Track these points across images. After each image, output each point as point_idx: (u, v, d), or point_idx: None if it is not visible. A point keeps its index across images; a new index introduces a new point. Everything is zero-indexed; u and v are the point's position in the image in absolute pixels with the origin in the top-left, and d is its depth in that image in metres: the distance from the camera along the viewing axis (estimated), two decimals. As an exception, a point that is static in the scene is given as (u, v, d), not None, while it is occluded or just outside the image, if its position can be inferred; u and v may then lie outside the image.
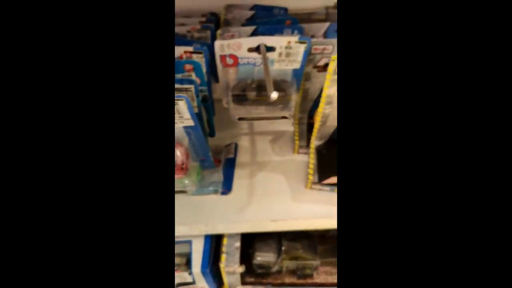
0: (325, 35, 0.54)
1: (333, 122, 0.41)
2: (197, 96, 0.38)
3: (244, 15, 0.48)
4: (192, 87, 0.36)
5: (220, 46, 0.39)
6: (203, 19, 0.50)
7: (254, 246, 0.47)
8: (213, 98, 0.48)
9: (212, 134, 0.45)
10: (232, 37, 0.43)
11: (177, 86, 0.36)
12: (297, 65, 0.42)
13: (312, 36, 0.55)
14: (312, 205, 0.43)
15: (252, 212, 0.43)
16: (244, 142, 0.53)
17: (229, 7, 0.49)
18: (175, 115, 0.35)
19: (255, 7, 0.50)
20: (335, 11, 0.53)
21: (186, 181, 0.40)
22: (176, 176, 0.40)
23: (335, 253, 0.49)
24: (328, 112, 0.40)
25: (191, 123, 0.37)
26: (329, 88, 0.36)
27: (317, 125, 0.42)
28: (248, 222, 0.42)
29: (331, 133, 0.43)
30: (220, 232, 0.48)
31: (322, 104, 0.39)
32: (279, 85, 0.42)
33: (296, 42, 0.39)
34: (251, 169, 0.49)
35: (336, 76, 0.35)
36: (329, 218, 0.42)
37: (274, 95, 0.34)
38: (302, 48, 0.39)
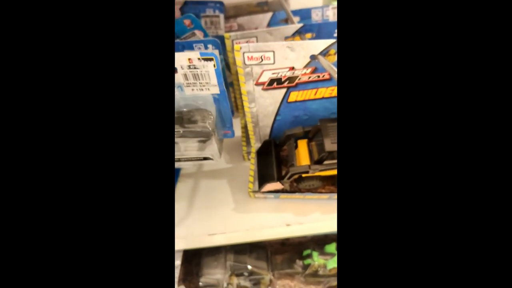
0: (268, 25, 0.50)
1: (265, 122, 0.37)
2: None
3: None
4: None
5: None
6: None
7: (201, 263, 0.43)
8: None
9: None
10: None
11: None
12: (215, 90, 0.31)
13: (255, 29, 0.51)
14: (254, 215, 0.39)
15: (190, 227, 0.39)
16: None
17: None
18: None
19: (186, 3, 0.46)
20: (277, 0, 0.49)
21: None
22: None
23: (292, 264, 0.45)
24: (255, 111, 0.36)
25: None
26: (246, 83, 0.32)
27: (250, 126, 0.38)
28: (184, 238, 0.38)
29: (268, 134, 0.39)
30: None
31: (246, 103, 0.35)
32: (195, 117, 0.32)
33: (199, 59, 0.28)
34: (196, 180, 0.45)
35: (249, 69, 0.31)
36: (272, 228, 0.38)
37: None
38: (210, 66, 0.28)
